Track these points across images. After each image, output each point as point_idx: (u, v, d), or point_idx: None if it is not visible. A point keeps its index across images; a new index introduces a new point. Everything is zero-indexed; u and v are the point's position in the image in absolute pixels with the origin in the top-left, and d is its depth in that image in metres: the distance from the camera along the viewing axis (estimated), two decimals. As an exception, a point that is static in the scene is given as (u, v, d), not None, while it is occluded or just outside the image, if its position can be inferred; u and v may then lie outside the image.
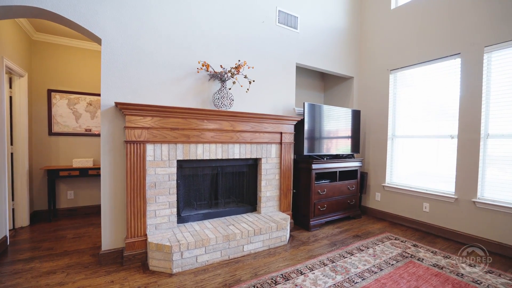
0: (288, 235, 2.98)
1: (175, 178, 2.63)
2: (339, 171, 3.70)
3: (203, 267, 2.35)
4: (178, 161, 2.67)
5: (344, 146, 3.87)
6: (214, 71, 2.75)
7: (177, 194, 2.68)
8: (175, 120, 2.56)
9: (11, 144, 3.31)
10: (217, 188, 3.10)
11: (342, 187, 3.70)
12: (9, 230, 3.19)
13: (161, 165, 2.56)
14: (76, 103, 3.85)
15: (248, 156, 3.04)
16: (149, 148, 2.49)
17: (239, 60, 2.88)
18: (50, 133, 3.73)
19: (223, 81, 2.75)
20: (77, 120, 3.86)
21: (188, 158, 2.67)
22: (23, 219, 3.39)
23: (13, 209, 3.31)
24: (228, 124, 2.84)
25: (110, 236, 2.43)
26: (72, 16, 2.23)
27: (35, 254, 2.58)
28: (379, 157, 3.98)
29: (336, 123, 3.76)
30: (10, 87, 3.31)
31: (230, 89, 2.88)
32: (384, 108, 3.90)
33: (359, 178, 3.93)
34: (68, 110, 3.81)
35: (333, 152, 3.74)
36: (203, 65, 2.64)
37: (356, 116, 3.96)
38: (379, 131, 3.97)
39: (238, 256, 2.57)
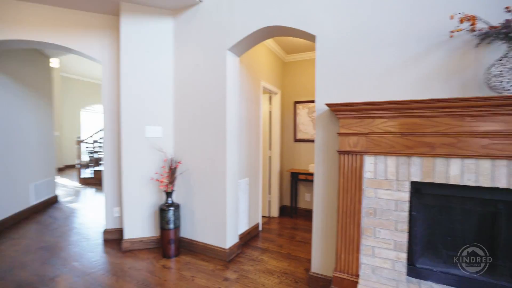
0: None
1: (407, 207, 1.76)
2: None
3: None
4: (413, 183, 1.76)
5: None
6: (489, 27, 1.49)
7: (409, 232, 1.78)
8: (407, 121, 1.70)
9: (270, 149, 4.14)
10: (494, 240, 1.70)
11: None
12: (265, 217, 4.01)
13: (385, 185, 1.81)
14: (313, 111, 4.06)
15: None
16: (368, 161, 1.86)
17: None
18: (295, 139, 4.24)
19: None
20: (314, 127, 4.06)
21: (432, 181, 1.68)
22: (275, 211, 4.12)
23: (269, 201, 4.13)
24: (526, 122, 1.43)
25: (319, 258, 2.12)
26: (290, 23, 2.20)
27: (269, 247, 2.92)
28: None
29: None
30: (270, 103, 4.16)
31: (531, 52, 1.44)
32: None
33: None
34: (307, 119, 4.12)
35: None
36: (462, 21, 1.50)
37: None
38: None
39: None
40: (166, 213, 2.64)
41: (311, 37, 2.20)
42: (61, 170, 7.93)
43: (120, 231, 3.00)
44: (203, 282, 2.18)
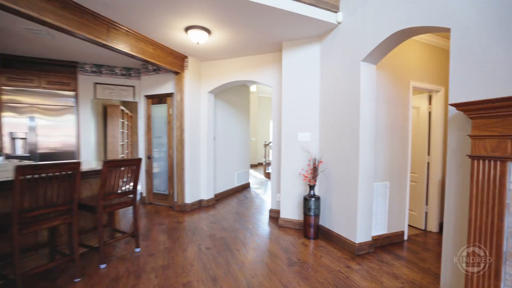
0: None
1: None
2: None
3: None
4: None
5: None
6: None
7: None
8: None
9: (428, 154, 3.66)
10: None
11: None
12: (418, 229, 3.61)
13: (542, 202, 1.42)
14: (495, 108, 3.12)
15: None
16: (515, 169, 1.52)
17: None
18: (467, 144, 3.45)
19: None
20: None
21: None
22: (433, 225, 3.57)
23: (426, 213, 3.65)
24: None
25: (450, 276, 1.90)
26: (420, 22, 2.15)
27: (408, 257, 2.75)
28: None
29: None
30: (430, 103, 3.67)
31: None
32: None
33: None
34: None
35: None
36: None
37: None
38: None
39: None
40: (308, 202, 3.26)
41: (445, 31, 2.02)
42: (255, 166, 10.74)
43: (278, 212, 3.99)
44: (327, 262, 2.59)
